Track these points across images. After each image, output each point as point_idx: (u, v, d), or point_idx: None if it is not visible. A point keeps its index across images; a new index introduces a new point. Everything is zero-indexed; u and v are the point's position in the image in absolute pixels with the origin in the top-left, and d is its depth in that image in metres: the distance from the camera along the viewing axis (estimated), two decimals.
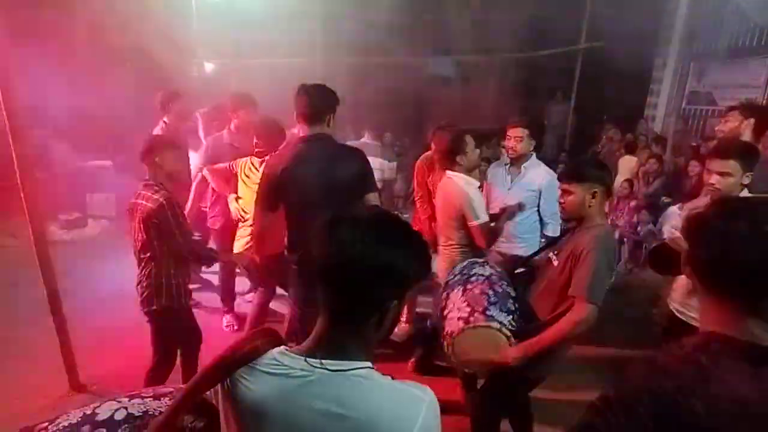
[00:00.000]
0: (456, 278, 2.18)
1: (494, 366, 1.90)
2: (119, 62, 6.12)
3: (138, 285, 2.41)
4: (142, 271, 2.40)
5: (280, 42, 6.58)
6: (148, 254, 2.34)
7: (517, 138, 2.86)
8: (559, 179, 2.01)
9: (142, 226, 2.29)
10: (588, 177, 1.87)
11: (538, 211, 2.90)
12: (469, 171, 2.63)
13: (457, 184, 2.56)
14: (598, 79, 7.81)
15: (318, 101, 2.21)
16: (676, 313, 2.26)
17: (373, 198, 2.27)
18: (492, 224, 2.60)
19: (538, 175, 2.89)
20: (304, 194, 2.16)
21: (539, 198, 2.87)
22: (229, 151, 3.37)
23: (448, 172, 2.64)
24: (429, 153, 3.37)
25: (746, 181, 2.05)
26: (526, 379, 1.96)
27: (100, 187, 6.44)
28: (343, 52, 7.26)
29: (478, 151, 2.68)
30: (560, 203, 1.95)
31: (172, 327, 2.49)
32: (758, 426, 0.72)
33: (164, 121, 3.63)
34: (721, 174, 2.03)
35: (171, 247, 2.32)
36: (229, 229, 3.35)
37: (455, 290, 2.08)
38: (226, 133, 3.49)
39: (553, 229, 2.90)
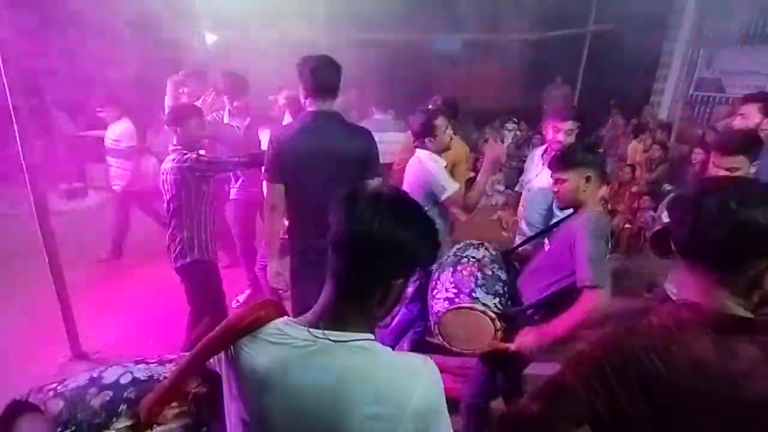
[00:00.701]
0: (449, 259, 2.20)
1: (483, 348, 1.92)
2: (120, 31, 6.00)
3: (170, 244, 2.58)
4: (172, 230, 2.56)
5: (283, 15, 6.44)
6: (178, 212, 2.50)
7: (567, 132, 2.62)
8: (550, 168, 1.98)
9: (173, 186, 2.46)
10: (580, 162, 1.85)
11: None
12: (440, 153, 2.63)
13: (422, 162, 2.56)
14: (605, 63, 7.68)
15: (333, 75, 2.12)
16: (671, 295, 2.29)
17: (375, 183, 2.21)
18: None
19: None
20: (306, 171, 2.12)
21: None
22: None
23: (417, 150, 2.66)
24: None
25: (753, 170, 2.05)
26: (515, 354, 1.95)
27: (100, 158, 6.40)
28: (348, 27, 7.13)
29: (450, 132, 2.67)
30: (554, 192, 1.94)
31: (205, 280, 2.65)
32: (714, 386, 0.79)
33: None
34: (729, 170, 2.03)
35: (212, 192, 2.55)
36: (246, 203, 3.44)
37: (446, 271, 2.10)
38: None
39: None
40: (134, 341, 3.05)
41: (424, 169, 2.55)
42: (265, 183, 2.29)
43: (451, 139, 2.75)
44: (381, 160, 2.39)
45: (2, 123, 2.51)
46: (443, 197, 2.51)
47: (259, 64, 4.74)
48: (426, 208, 2.70)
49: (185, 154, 2.45)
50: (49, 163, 5.05)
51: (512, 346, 1.82)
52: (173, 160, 2.47)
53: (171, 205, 2.52)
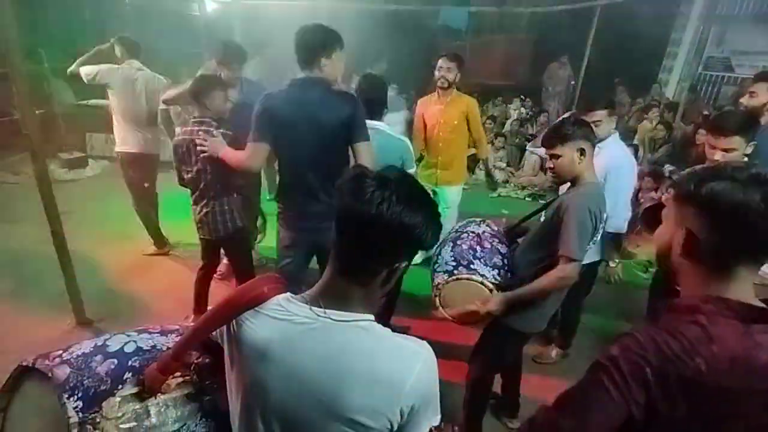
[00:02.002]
0: (450, 235, 2.25)
1: (479, 316, 1.97)
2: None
3: (207, 214, 2.59)
4: (202, 204, 2.58)
5: None
6: (214, 185, 2.51)
7: (595, 122, 2.45)
8: (543, 145, 1.98)
9: (207, 159, 2.42)
10: (572, 136, 1.84)
11: None
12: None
13: (393, 135, 2.59)
14: (614, 39, 7.50)
15: (310, 42, 2.10)
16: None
17: (364, 147, 2.18)
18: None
19: (606, 156, 2.47)
20: (291, 136, 2.13)
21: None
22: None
23: (380, 125, 2.52)
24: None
25: (749, 150, 2.06)
26: (515, 332, 2.02)
27: (101, 127, 6.35)
28: None
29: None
30: (550, 168, 1.95)
31: (241, 246, 2.80)
32: (744, 380, 0.78)
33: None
34: (726, 150, 2.03)
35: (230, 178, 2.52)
36: None
37: (446, 246, 2.17)
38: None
39: (617, 225, 2.55)
40: (137, 310, 3.11)
41: (398, 141, 2.59)
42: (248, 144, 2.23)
43: (452, 88, 3.20)
44: None
45: (1, 91, 2.48)
46: (410, 171, 2.61)
47: (258, 33, 4.64)
48: None
49: (210, 124, 2.44)
50: (49, 132, 5.01)
51: (483, 308, 1.89)
52: (194, 132, 2.43)
53: (205, 178, 2.50)
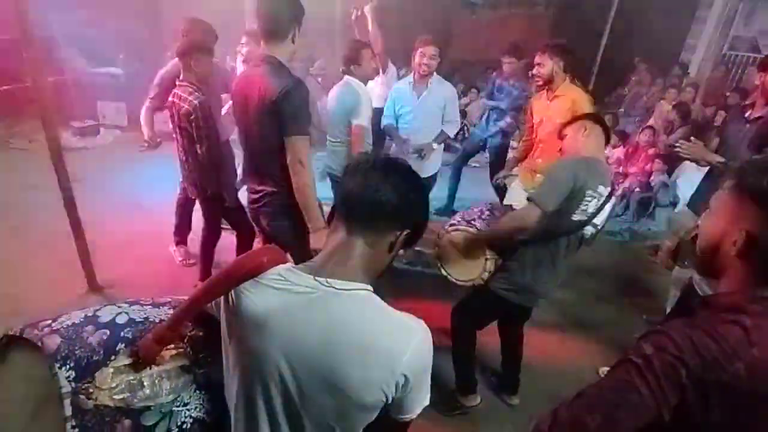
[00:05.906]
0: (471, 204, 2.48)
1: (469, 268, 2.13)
2: None
3: (184, 177, 2.83)
4: (184, 164, 2.74)
5: None
6: (210, 149, 2.57)
7: (431, 56, 3.16)
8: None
9: (178, 125, 2.54)
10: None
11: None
12: (363, 80, 2.97)
13: (351, 86, 2.88)
14: (636, 15, 7.22)
15: (274, 15, 1.84)
16: (697, 289, 2.24)
17: (291, 144, 1.86)
18: None
19: (444, 89, 3.31)
20: (238, 116, 2.04)
21: (443, 111, 3.29)
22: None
23: (346, 77, 2.93)
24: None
25: None
26: (498, 298, 2.10)
27: (111, 96, 6.37)
28: None
29: (372, 63, 3.03)
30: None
31: (220, 208, 2.87)
32: None
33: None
34: None
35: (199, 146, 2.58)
36: None
37: (462, 210, 2.39)
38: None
39: (453, 130, 3.41)
40: (147, 277, 3.17)
41: (354, 91, 2.83)
42: None
43: (555, 82, 2.91)
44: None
45: (14, 58, 2.49)
46: (356, 122, 2.80)
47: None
48: (341, 132, 2.93)
49: (191, 92, 2.50)
50: (61, 100, 5.01)
51: (446, 237, 2.14)
52: (177, 96, 2.51)
53: (205, 142, 2.52)
